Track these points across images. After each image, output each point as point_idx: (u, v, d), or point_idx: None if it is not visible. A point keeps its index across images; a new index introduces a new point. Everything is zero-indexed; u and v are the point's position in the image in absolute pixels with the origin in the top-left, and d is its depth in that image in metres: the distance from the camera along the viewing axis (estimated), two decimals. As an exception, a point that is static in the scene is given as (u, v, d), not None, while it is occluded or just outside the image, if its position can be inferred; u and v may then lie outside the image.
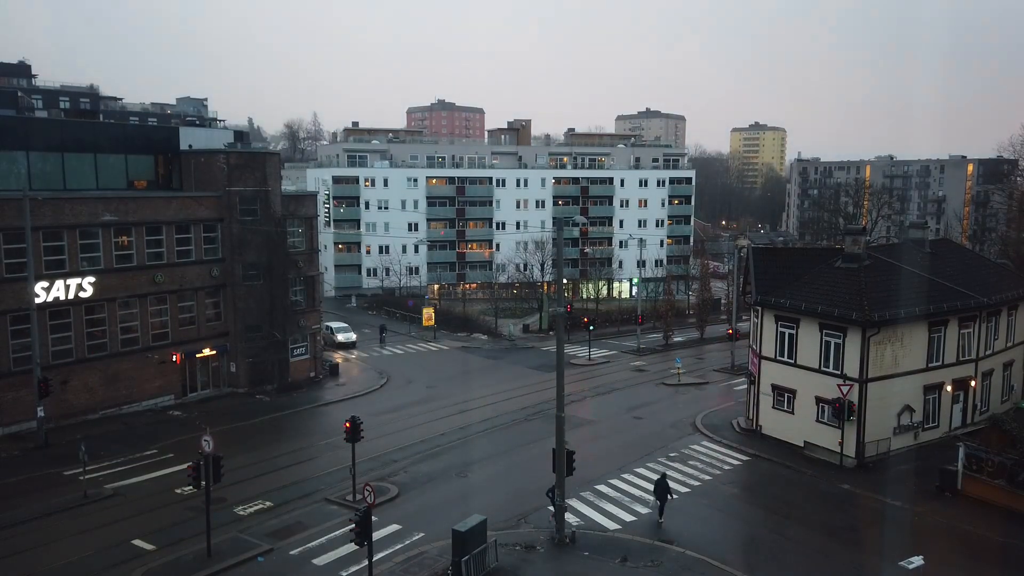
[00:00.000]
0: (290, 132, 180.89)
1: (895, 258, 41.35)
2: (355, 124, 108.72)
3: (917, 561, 26.38)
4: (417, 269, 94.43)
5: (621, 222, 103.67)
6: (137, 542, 27.82)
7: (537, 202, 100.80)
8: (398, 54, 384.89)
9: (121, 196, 44.13)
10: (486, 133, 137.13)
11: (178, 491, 32.09)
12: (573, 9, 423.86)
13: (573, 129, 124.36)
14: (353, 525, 23.18)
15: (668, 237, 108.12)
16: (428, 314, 72.90)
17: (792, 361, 38.94)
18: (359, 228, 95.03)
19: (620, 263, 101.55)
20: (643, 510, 31.42)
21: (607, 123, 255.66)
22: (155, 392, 44.98)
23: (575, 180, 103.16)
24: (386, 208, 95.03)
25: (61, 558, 26.58)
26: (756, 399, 41.35)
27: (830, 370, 37.03)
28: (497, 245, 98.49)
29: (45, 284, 39.72)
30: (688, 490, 33.73)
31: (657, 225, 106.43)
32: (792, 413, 39.17)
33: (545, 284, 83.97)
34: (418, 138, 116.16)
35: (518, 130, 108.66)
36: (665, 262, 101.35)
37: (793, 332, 38.82)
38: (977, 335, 39.84)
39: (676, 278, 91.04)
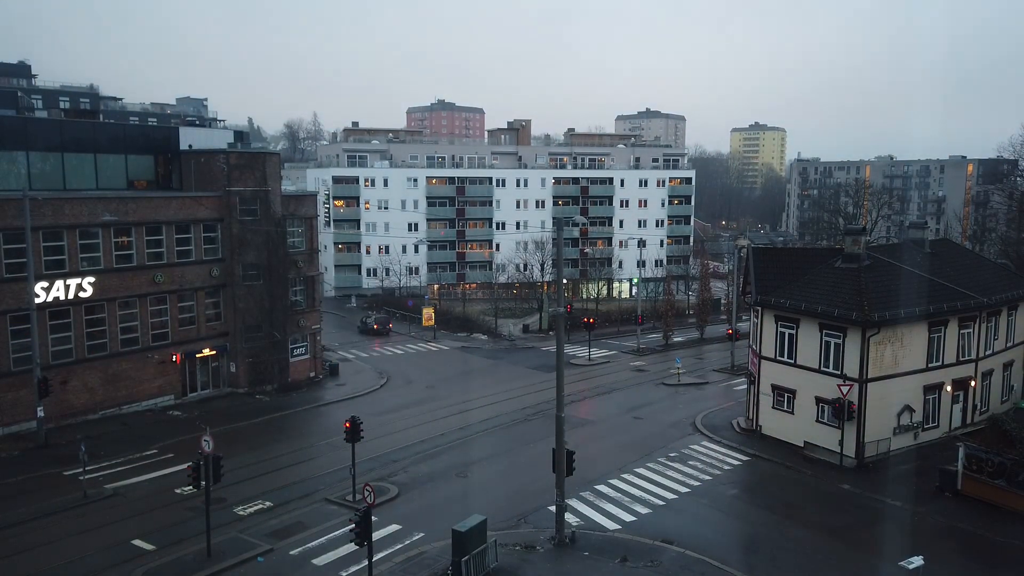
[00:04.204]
0: (290, 132, 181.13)
1: (895, 258, 41.36)
2: (355, 124, 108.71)
3: (917, 561, 26.38)
4: (417, 269, 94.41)
5: (621, 222, 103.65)
6: (137, 542, 27.83)
7: (537, 202, 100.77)
8: (398, 54, 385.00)
9: (121, 196, 44.13)
10: (486, 133, 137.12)
11: (178, 491, 32.09)
12: (573, 9, 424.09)
13: (573, 129, 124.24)
14: (353, 525, 23.18)
15: (668, 237, 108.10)
16: (428, 314, 72.90)
17: (792, 361, 38.94)
18: (359, 228, 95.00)
19: (620, 263, 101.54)
20: (643, 510, 31.44)
21: (607, 123, 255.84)
22: (155, 392, 44.98)
23: (575, 180, 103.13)
24: (386, 208, 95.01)
25: (61, 558, 26.60)
26: (756, 399, 41.35)
27: (830, 370, 37.03)
28: (497, 245, 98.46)
29: (45, 284, 39.71)
30: (688, 490, 33.74)
31: (657, 225, 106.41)
32: (792, 413, 39.17)
33: (545, 284, 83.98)
34: (418, 138, 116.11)
35: (518, 130, 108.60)
36: (665, 262, 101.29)
37: (793, 332, 38.82)
38: (977, 335, 39.84)
39: (676, 278, 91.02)
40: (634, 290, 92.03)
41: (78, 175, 44.65)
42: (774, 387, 39.96)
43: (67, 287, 40.72)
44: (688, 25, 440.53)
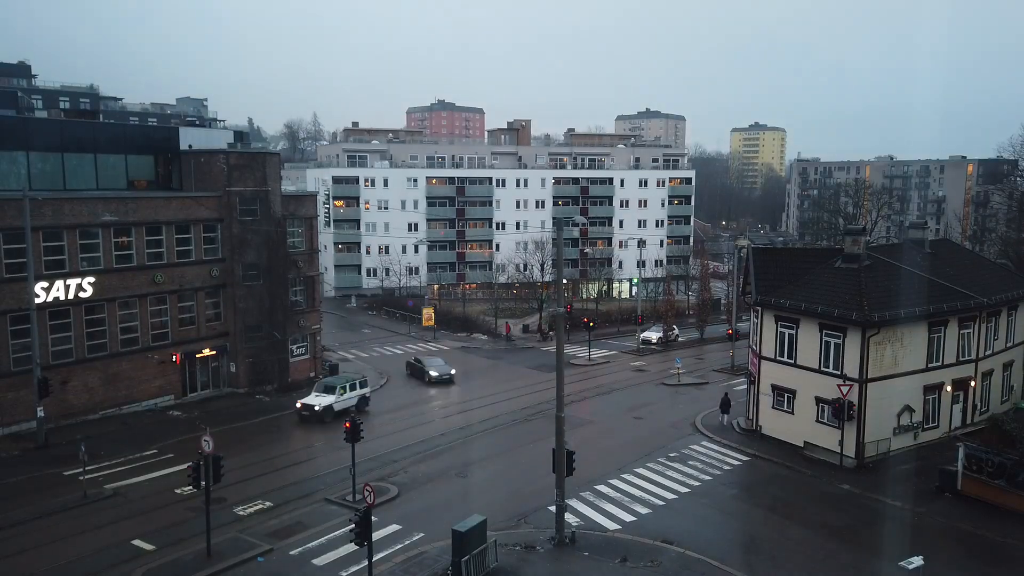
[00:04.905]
0: (290, 132, 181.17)
1: (895, 258, 41.35)
2: (355, 124, 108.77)
3: (917, 561, 26.37)
4: (417, 269, 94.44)
5: (621, 222, 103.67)
6: (137, 542, 27.81)
7: (537, 202, 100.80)
8: (398, 54, 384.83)
9: (121, 196, 44.12)
10: (486, 133, 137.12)
11: (178, 491, 32.06)
12: (574, 9, 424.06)
13: (573, 129, 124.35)
14: (353, 525, 23.18)
15: (668, 237, 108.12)
16: (428, 314, 72.90)
17: (792, 361, 38.93)
18: (359, 228, 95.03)
19: (620, 263, 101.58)
20: (643, 510, 31.45)
21: (607, 123, 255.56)
22: (155, 392, 44.97)
23: (575, 180, 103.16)
24: (386, 208, 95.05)
25: (61, 558, 26.58)
26: (756, 399, 41.35)
27: (830, 370, 37.02)
28: (497, 245, 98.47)
29: (45, 284, 39.70)
30: (688, 490, 33.73)
31: (657, 225, 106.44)
32: (792, 413, 39.17)
33: (545, 284, 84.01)
34: (418, 138, 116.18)
35: (518, 130, 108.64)
36: (665, 262, 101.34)
37: (793, 332, 38.82)
38: (977, 335, 39.83)
39: (676, 278, 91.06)
40: (634, 290, 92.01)
41: (78, 175, 44.62)
42: (774, 387, 39.95)
43: (67, 287, 40.71)
44: (689, 25, 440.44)
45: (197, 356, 47.01)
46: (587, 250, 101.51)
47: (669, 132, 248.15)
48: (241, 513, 30.62)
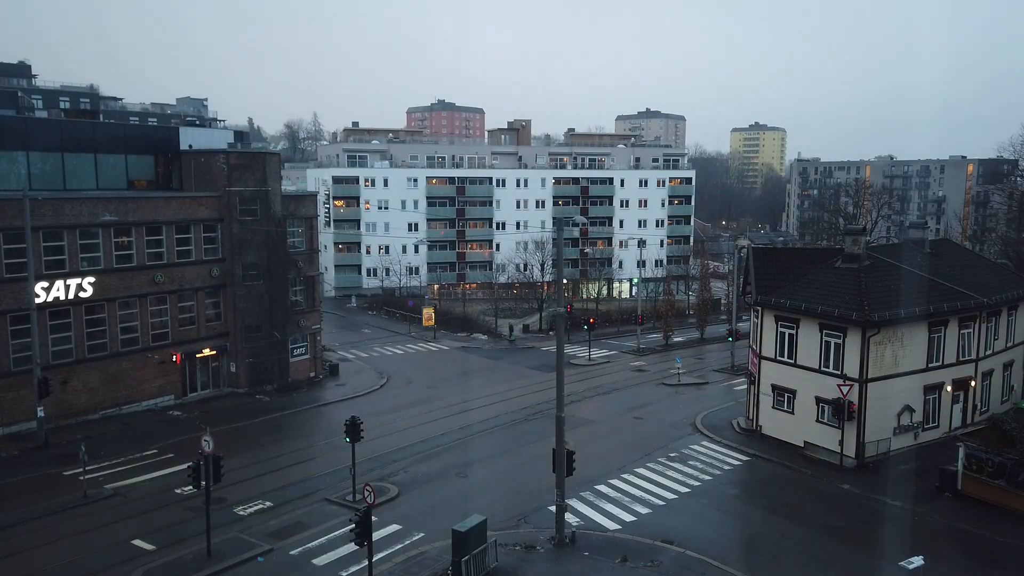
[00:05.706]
0: (290, 132, 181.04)
1: (895, 258, 41.34)
2: (355, 124, 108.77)
3: (917, 561, 26.39)
4: (417, 269, 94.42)
5: (621, 222, 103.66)
6: (137, 542, 27.82)
7: (537, 202, 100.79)
8: (398, 54, 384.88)
9: (121, 196, 44.13)
10: (486, 133, 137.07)
11: (178, 491, 32.08)
12: (574, 9, 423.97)
13: (573, 129, 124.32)
14: (353, 525, 23.18)
15: (668, 237, 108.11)
16: (428, 314, 72.89)
17: (792, 361, 38.93)
18: (359, 228, 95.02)
19: (620, 263, 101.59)
20: (643, 510, 31.44)
21: (607, 123, 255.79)
22: (155, 392, 44.97)
23: (575, 180, 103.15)
24: (386, 208, 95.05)
25: (61, 558, 26.59)
26: (756, 399, 41.34)
27: (830, 370, 37.01)
28: (497, 245, 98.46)
29: (45, 284, 39.71)
30: (688, 490, 33.73)
31: (657, 225, 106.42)
32: (792, 413, 39.16)
33: (545, 284, 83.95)
34: (418, 138, 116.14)
35: (518, 130, 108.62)
36: (665, 262, 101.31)
37: (793, 332, 38.81)
38: (977, 335, 39.82)
39: (676, 278, 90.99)
40: (634, 290, 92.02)
41: (78, 175, 44.63)
42: (774, 387, 39.94)
43: (67, 287, 40.71)
44: (688, 25, 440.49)
45: (197, 356, 47.01)
46: (587, 250, 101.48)
47: (669, 132, 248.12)
48: (241, 513, 30.62)
